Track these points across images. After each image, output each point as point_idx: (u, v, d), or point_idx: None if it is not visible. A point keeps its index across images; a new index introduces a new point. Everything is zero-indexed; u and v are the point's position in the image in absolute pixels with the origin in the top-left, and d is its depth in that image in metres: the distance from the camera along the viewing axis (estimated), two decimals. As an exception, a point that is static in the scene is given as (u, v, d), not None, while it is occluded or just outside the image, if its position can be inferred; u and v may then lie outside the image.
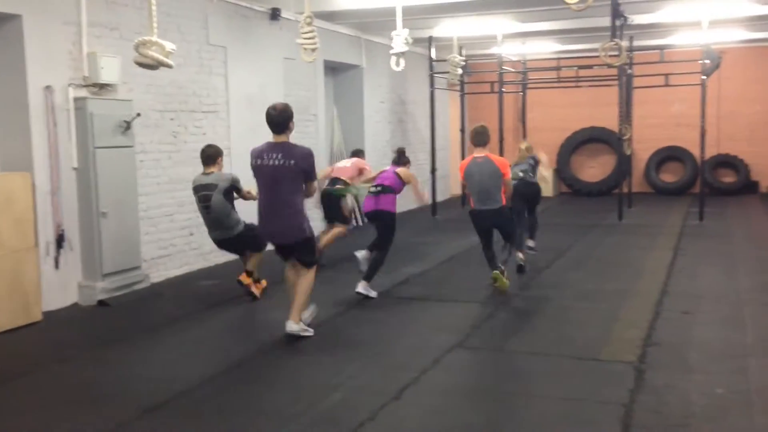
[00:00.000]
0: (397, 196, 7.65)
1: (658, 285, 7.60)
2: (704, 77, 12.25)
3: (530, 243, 9.02)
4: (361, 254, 7.46)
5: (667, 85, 13.60)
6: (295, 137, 6.02)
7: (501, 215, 7.47)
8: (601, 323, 6.25)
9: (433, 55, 13.98)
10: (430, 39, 13.62)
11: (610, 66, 10.30)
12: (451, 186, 17.13)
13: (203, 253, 9.06)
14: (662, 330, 5.98)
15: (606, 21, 10.78)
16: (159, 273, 8.35)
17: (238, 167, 8.30)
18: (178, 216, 8.67)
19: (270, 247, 6.56)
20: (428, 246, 10.32)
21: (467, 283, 7.96)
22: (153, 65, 5.93)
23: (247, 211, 7.67)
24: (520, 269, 8.24)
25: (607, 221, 12.51)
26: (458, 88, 15.43)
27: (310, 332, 5.98)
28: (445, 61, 13.16)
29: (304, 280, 5.99)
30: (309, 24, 7.37)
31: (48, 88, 6.94)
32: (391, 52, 8.06)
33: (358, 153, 10.29)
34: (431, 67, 14.00)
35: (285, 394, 4.80)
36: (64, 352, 5.86)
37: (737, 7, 11.40)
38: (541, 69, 16.01)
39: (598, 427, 4.15)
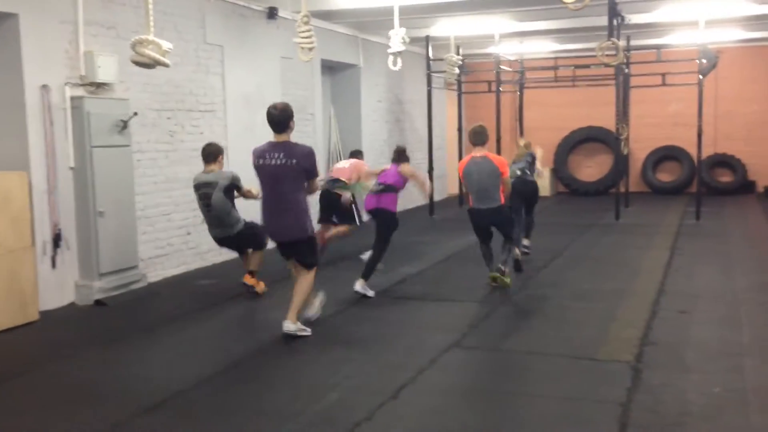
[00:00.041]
0: (399, 194, 7.71)
1: (655, 284, 7.61)
2: (701, 77, 12.26)
3: (525, 242, 9.04)
4: (366, 256, 7.51)
5: (664, 84, 13.63)
6: (293, 136, 6.04)
7: (499, 214, 7.50)
8: (598, 323, 6.26)
9: (431, 54, 13.98)
10: (428, 38, 13.63)
11: (607, 65, 10.30)
12: (448, 185, 17.13)
13: (200, 252, 9.05)
14: (659, 329, 5.99)
15: (603, 20, 10.79)
16: (156, 272, 8.34)
17: (235, 166, 8.30)
18: (175, 215, 8.66)
19: (271, 244, 6.57)
20: (425, 245, 10.33)
21: (464, 282, 7.96)
22: (150, 64, 5.91)
23: (248, 211, 7.70)
24: (518, 267, 8.26)
25: (604, 221, 12.53)
26: (455, 87, 15.44)
27: (308, 332, 5.98)
28: (442, 60, 13.17)
29: (303, 281, 6.03)
30: (306, 23, 7.37)
31: (45, 87, 6.93)
32: (389, 51, 8.06)
33: (356, 154, 10.32)
34: (428, 67, 14.00)
35: (282, 393, 4.80)
36: (61, 351, 5.85)
37: (734, 7, 11.43)
38: (539, 68, 16.04)
39: (595, 427, 4.15)
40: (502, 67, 14.96)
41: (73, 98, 7.18)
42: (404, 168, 7.71)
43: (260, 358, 5.53)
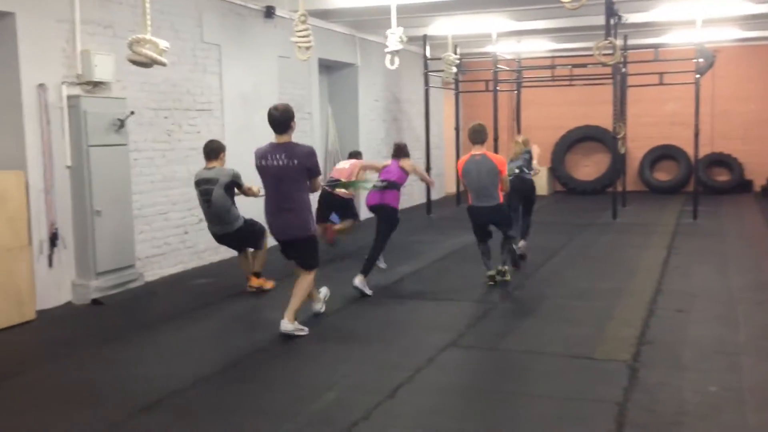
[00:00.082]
0: (400, 191, 7.82)
1: (652, 283, 7.62)
2: (698, 76, 12.27)
3: (521, 244, 9.04)
4: (383, 264, 7.80)
5: (661, 83, 13.62)
6: (292, 136, 6.05)
7: (498, 212, 7.55)
8: (595, 322, 6.26)
9: (428, 53, 13.97)
10: (425, 37, 13.62)
11: (604, 64, 10.30)
12: (445, 185, 17.13)
13: (198, 251, 9.05)
14: (656, 328, 5.99)
15: (600, 19, 10.78)
16: (153, 271, 8.34)
17: (233, 165, 8.25)
18: (172, 214, 8.65)
19: (272, 242, 6.60)
20: (423, 244, 10.33)
21: (462, 281, 7.96)
22: (147, 63, 5.91)
23: (249, 210, 7.71)
24: (515, 263, 8.29)
25: (602, 220, 12.54)
26: (453, 86, 15.45)
27: (305, 331, 5.98)
28: (439, 59, 13.17)
29: (303, 281, 6.09)
30: (303, 22, 7.37)
31: (41, 86, 6.92)
32: (386, 50, 8.06)
33: (356, 155, 10.40)
34: (426, 66, 14.00)
35: (280, 392, 4.80)
36: (57, 351, 5.85)
37: (731, 6, 11.43)
38: (536, 67, 16.04)
39: (592, 426, 4.16)
40: (499, 66, 14.96)
41: (69, 97, 7.17)
42: (405, 163, 7.79)
43: (258, 358, 5.53)
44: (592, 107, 16.87)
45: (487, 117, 13.49)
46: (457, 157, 14.27)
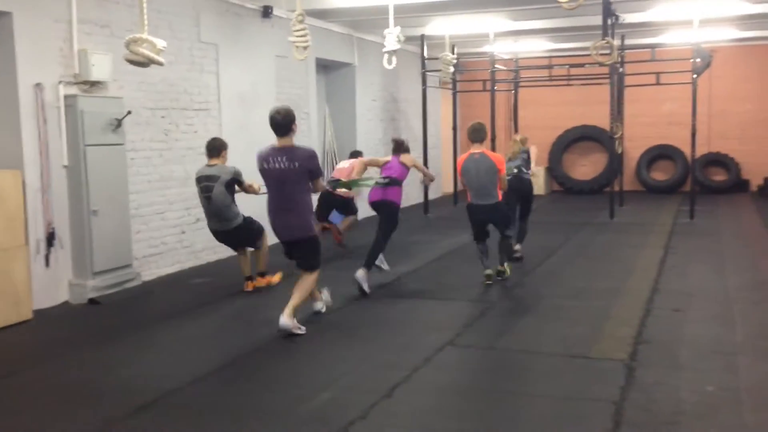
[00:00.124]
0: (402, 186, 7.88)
1: (649, 283, 7.63)
2: (695, 76, 12.28)
3: (517, 247, 9.04)
4: (385, 266, 7.82)
5: (658, 83, 13.63)
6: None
7: (497, 210, 7.59)
8: (592, 321, 6.27)
9: (426, 53, 13.97)
10: (423, 37, 13.61)
11: (601, 64, 10.32)
12: (442, 184, 17.14)
13: (195, 251, 9.04)
14: (653, 327, 6.00)
15: (597, 19, 10.80)
16: (150, 271, 8.33)
17: (231, 164, 8.27)
18: (169, 214, 8.65)
19: (273, 240, 6.62)
20: (420, 244, 10.33)
21: (459, 280, 7.97)
22: (144, 63, 5.91)
23: (248, 210, 7.71)
24: (512, 257, 8.31)
25: (599, 219, 12.55)
26: (450, 86, 15.44)
27: (302, 330, 5.98)
28: (437, 59, 13.18)
29: (306, 279, 6.17)
30: (301, 22, 7.37)
31: (38, 85, 6.91)
32: (384, 50, 8.05)
33: (357, 154, 10.43)
34: (423, 65, 13.99)
35: (276, 392, 4.80)
36: (54, 350, 5.84)
37: (728, 6, 11.44)
38: (533, 67, 16.06)
39: (588, 425, 4.16)
40: (496, 66, 14.97)
41: (66, 97, 7.16)
42: (405, 158, 7.85)
43: (254, 357, 5.53)
44: (590, 107, 16.87)
45: (484, 117, 13.49)
46: (455, 156, 14.29)
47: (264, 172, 6.05)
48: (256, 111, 10.03)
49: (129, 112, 7.64)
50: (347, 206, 9.75)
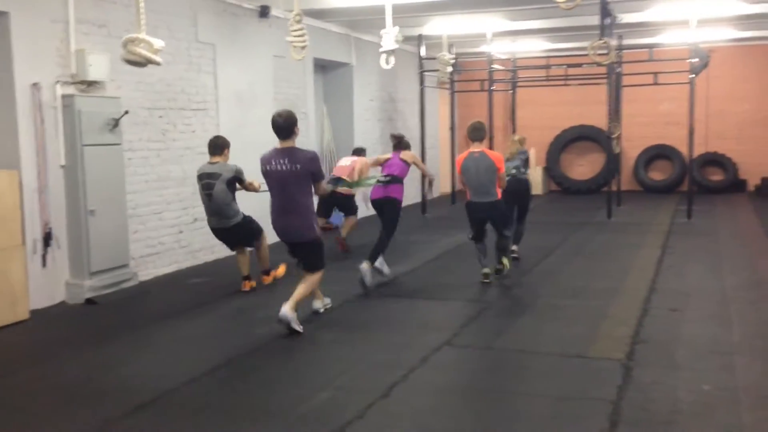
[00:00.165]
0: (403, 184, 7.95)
1: (646, 282, 7.64)
2: (693, 76, 12.30)
3: (514, 248, 9.04)
4: (387, 270, 7.88)
5: (655, 83, 13.65)
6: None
7: (496, 208, 7.63)
8: (589, 321, 6.27)
9: (423, 53, 13.98)
10: (420, 37, 13.62)
11: (599, 64, 10.33)
12: (440, 184, 17.14)
13: (192, 251, 9.04)
14: (650, 327, 6.01)
15: (595, 19, 10.81)
16: (148, 271, 8.32)
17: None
18: (166, 214, 8.64)
19: (273, 239, 6.65)
20: (418, 244, 10.34)
21: (456, 280, 7.97)
22: (141, 62, 5.90)
23: (248, 210, 7.71)
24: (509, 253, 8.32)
25: (596, 219, 12.56)
26: (448, 86, 15.44)
27: (300, 329, 5.98)
28: (434, 59, 13.18)
29: (310, 278, 6.22)
30: (298, 22, 7.38)
31: (35, 85, 6.90)
32: (381, 50, 8.04)
33: (359, 152, 10.42)
34: (421, 65, 14.00)
35: (274, 391, 4.79)
36: (51, 350, 5.83)
37: (725, 6, 11.46)
38: (531, 67, 16.07)
39: (585, 424, 4.16)
40: (494, 66, 14.97)
41: (64, 96, 7.15)
42: (406, 155, 7.89)
43: (251, 357, 5.53)
44: (587, 107, 16.89)
45: (482, 117, 13.35)
46: (452, 157, 14.30)
47: (266, 174, 6.08)
48: (254, 111, 10.03)
49: (126, 112, 7.63)
50: (347, 205, 9.74)
